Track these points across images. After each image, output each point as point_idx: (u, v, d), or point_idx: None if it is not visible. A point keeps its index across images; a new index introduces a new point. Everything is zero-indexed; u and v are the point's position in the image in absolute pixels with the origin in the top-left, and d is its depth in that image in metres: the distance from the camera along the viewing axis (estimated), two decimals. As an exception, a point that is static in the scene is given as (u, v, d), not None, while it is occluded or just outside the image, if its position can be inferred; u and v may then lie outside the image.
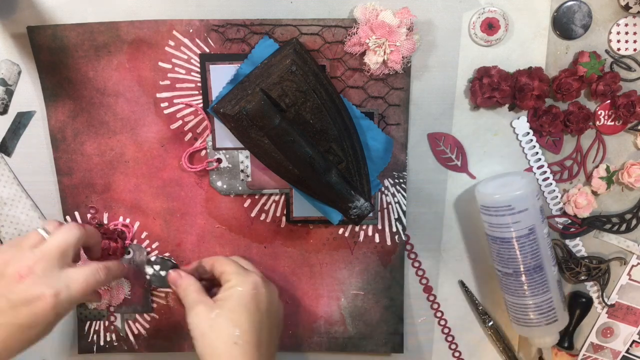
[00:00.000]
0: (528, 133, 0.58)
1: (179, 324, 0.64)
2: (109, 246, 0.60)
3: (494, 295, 0.64)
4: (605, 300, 0.63)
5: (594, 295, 0.64)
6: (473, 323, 0.65)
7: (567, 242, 0.62)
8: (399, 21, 0.52)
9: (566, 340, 0.64)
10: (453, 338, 0.66)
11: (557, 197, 0.60)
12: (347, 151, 0.54)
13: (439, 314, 0.65)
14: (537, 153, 0.59)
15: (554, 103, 0.57)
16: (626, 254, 0.62)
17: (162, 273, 0.61)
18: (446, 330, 0.65)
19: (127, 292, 0.62)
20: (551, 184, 0.60)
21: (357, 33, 0.54)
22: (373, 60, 0.54)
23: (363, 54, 0.54)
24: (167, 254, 0.62)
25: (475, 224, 0.61)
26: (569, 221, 0.61)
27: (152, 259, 0.61)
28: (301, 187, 0.56)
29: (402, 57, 0.54)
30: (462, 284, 0.63)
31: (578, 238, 0.62)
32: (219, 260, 0.57)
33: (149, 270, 0.61)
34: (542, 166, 0.59)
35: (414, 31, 0.54)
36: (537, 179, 0.60)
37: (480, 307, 0.64)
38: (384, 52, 0.53)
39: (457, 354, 0.66)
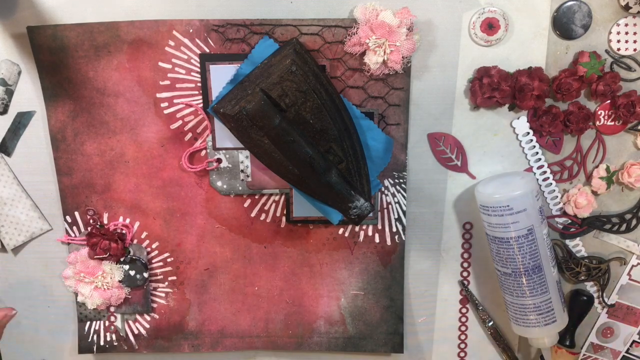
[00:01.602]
0: (528, 133, 0.58)
1: (179, 324, 0.64)
2: (109, 247, 0.60)
3: (494, 295, 0.64)
4: (605, 300, 0.63)
5: (594, 295, 0.64)
6: (473, 323, 0.65)
7: (567, 242, 0.62)
8: (399, 21, 0.52)
9: (567, 339, 0.64)
10: (453, 338, 0.66)
11: (557, 197, 0.60)
12: (347, 151, 0.54)
13: (439, 314, 0.65)
14: (537, 153, 0.59)
15: (554, 103, 0.57)
16: (626, 254, 0.62)
17: (132, 273, 0.61)
18: (446, 330, 0.65)
19: (126, 292, 0.62)
20: (551, 183, 0.60)
21: (357, 33, 0.54)
22: (373, 60, 0.54)
23: (363, 54, 0.54)
24: (166, 254, 0.62)
25: (475, 224, 0.61)
26: (569, 221, 0.61)
27: (122, 259, 0.61)
28: (301, 187, 0.56)
29: (402, 57, 0.54)
30: (462, 284, 0.63)
31: (578, 238, 0.62)
32: None
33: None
34: (542, 166, 0.59)
35: (414, 31, 0.54)
36: (537, 179, 0.60)
37: (481, 307, 0.64)
38: (384, 52, 0.53)
39: (457, 354, 0.66)
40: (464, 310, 0.65)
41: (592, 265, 0.61)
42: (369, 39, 0.53)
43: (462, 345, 0.66)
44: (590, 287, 0.64)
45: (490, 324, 0.64)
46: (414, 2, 0.54)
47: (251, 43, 0.55)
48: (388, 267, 0.62)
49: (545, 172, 0.59)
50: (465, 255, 0.63)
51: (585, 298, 0.62)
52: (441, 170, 0.60)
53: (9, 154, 0.60)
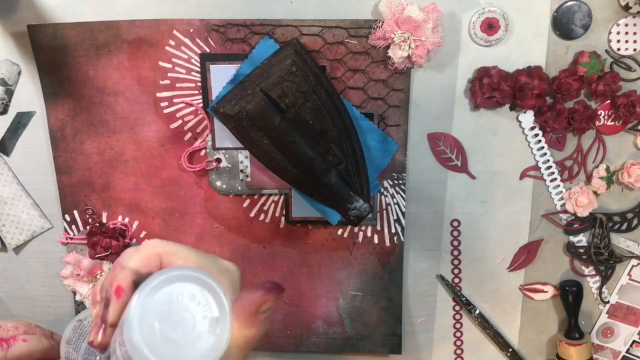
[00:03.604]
0: (534, 127, 0.58)
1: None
2: (110, 245, 0.60)
3: (493, 295, 0.63)
4: (602, 296, 0.63)
5: (594, 287, 0.63)
6: (472, 322, 0.65)
7: (571, 238, 0.61)
8: (425, 16, 0.52)
9: (575, 332, 0.62)
10: (452, 338, 0.66)
11: (562, 191, 0.60)
12: (346, 152, 0.54)
13: (438, 314, 0.65)
14: (542, 147, 0.58)
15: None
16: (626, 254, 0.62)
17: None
18: (445, 330, 0.65)
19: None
20: (556, 178, 0.60)
21: (381, 27, 0.53)
22: (398, 55, 0.53)
23: (387, 47, 0.54)
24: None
25: (475, 224, 0.61)
26: (573, 217, 0.61)
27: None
28: (300, 188, 0.56)
29: (427, 51, 0.53)
30: (441, 277, 0.63)
31: (582, 234, 0.62)
32: None
33: None
34: (547, 160, 0.59)
35: (438, 26, 0.54)
36: (543, 174, 0.59)
37: (464, 298, 0.63)
38: (409, 47, 0.53)
39: (457, 354, 0.66)
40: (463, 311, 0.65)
41: (616, 254, 0.61)
42: (394, 34, 0.53)
43: (462, 345, 0.66)
44: (593, 284, 0.63)
45: (477, 312, 0.63)
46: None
47: (251, 43, 0.55)
48: (386, 268, 0.62)
49: (550, 167, 0.59)
50: (455, 253, 0.63)
51: (574, 289, 0.61)
52: (441, 170, 0.60)
53: (7, 154, 0.60)
